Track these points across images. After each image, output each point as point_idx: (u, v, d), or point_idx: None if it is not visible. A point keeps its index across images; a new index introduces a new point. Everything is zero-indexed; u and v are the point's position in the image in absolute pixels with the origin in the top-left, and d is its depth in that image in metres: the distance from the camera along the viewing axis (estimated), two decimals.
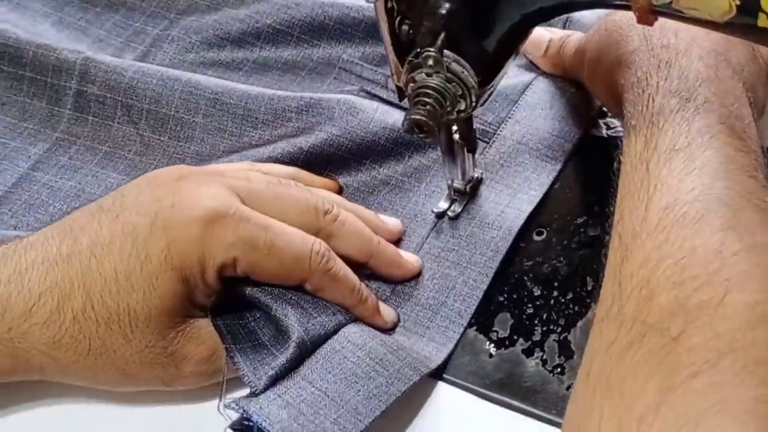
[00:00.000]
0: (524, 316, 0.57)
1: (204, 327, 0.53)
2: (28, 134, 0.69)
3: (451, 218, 0.61)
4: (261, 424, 0.50)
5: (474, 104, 0.53)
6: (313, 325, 0.54)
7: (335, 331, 0.55)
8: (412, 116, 0.52)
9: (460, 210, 0.62)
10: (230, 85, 0.67)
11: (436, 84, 0.52)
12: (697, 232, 0.44)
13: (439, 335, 0.57)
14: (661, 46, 0.53)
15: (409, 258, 0.59)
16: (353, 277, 0.56)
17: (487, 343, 0.57)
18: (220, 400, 0.52)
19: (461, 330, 0.57)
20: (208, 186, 0.53)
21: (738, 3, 0.43)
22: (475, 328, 0.57)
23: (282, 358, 0.53)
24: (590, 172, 0.63)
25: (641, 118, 0.51)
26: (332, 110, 0.65)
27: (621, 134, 0.65)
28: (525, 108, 0.66)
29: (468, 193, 0.62)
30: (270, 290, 0.55)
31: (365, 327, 0.56)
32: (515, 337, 0.57)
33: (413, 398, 0.55)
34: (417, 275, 0.59)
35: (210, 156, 0.66)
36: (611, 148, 0.64)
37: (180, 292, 0.52)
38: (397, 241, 0.61)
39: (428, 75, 0.52)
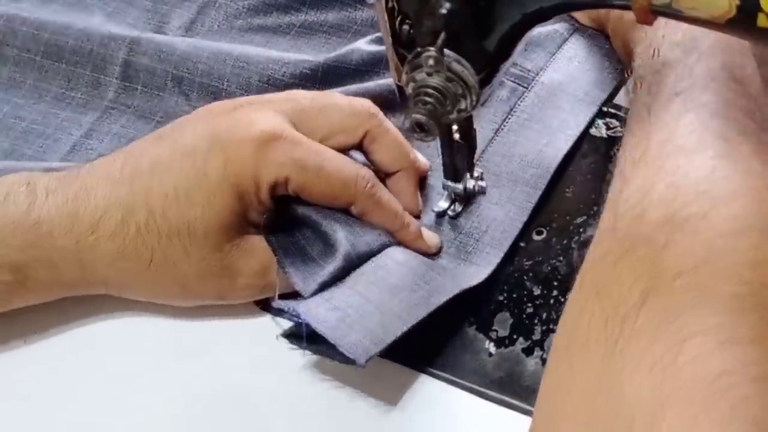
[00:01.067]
0: (524, 316, 0.57)
1: (257, 242, 0.57)
2: (76, 103, 0.70)
3: (451, 217, 0.62)
4: (310, 323, 0.53)
5: (474, 103, 0.53)
6: (359, 242, 0.58)
7: (380, 250, 0.58)
8: (413, 115, 0.52)
9: (460, 209, 0.62)
10: (280, 59, 0.68)
11: (437, 83, 0.52)
12: (691, 159, 0.46)
13: (480, 259, 0.60)
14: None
15: (419, 200, 0.62)
16: (396, 203, 0.59)
17: (487, 342, 0.57)
18: (271, 309, 0.57)
19: (501, 255, 0.60)
20: (262, 111, 0.57)
21: (738, 3, 0.44)
22: (474, 327, 0.57)
23: (330, 267, 0.56)
24: (590, 172, 0.64)
25: (647, 67, 0.53)
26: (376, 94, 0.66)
27: (621, 134, 0.65)
28: (562, 59, 0.69)
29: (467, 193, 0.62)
30: (319, 210, 0.58)
31: (409, 249, 0.59)
32: (515, 336, 0.57)
33: (413, 397, 0.55)
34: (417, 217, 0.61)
35: None
36: (611, 148, 0.64)
37: (236, 208, 0.55)
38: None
39: (429, 74, 0.52)
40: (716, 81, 0.50)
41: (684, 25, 0.53)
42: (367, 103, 0.60)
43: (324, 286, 0.56)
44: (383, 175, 0.60)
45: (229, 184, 0.55)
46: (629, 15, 0.56)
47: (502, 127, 0.65)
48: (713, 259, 0.42)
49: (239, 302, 0.58)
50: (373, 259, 0.58)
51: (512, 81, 0.67)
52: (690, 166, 0.46)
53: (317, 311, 0.54)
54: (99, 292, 0.58)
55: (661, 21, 0.53)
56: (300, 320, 0.54)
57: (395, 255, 0.58)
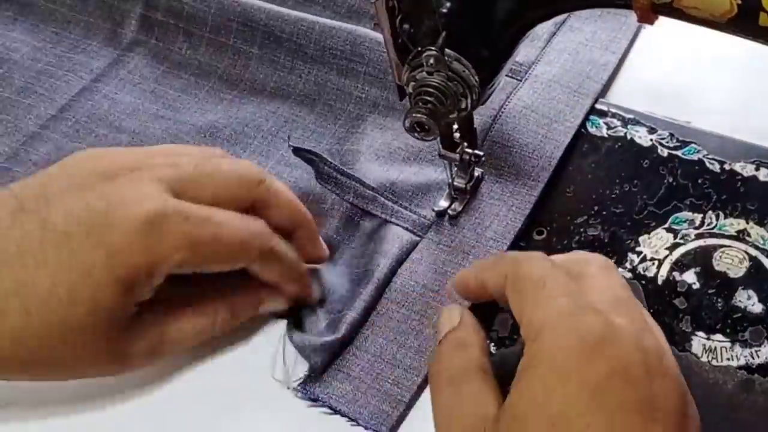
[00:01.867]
0: None
1: (147, 323, 0.52)
2: (91, 50, 0.74)
3: (451, 216, 0.62)
4: (330, 404, 0.53)
5: (475, 103, 0.53)
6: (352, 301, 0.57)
7: (378, 295, 0.58)
8: (413, 115, 0.52)
9: (460, 209, 0.62)
10: (284, 15, 0.70)
11: (437, 83, 0.52)
12: None
13: (483, 254, 0.59)
14: None
15: (325, 247, 0.60)
16: (292, 252, 0.56)
17: (487, 342, 0.56)
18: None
19: (505, 249, 0.60)
20: (140, 185, 0.51)
21: (739, 2, 0.44)
22: None
23: (336, 335, 0.55)
24: (590, 172, 0.63)
25: None
26: (375, 52, 0.68)
27: (621, 133, 0.65)
28: (553, 52, 0.70)
29: (468, 192, 0.62)
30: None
31: (400, 282, 0.58)
32: (515, 337, 0.57)
33: (413, 396, 0.55)
34: (322, 260, 0.60)
35: (262, 87, 0.70)
36: (611, 148, 0.64)
37: (126, 300, 0.50)
38: None
39: (429, 74, 0.52)
40: None
41: None
42: (253, 170, 0.56)
43: (334, 355, 0.55)
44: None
45: (116, 278, 0.49)
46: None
47: (500, 114, 0.66)
48: None
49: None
50: (376, 306, 0.57)
51: (506, 75, 0.67)
52: None
53: (334, 386, 0.54)
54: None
55: None
56: (319, 401, 0.54)
57: (393, 296, 0.58)
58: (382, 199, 0.62)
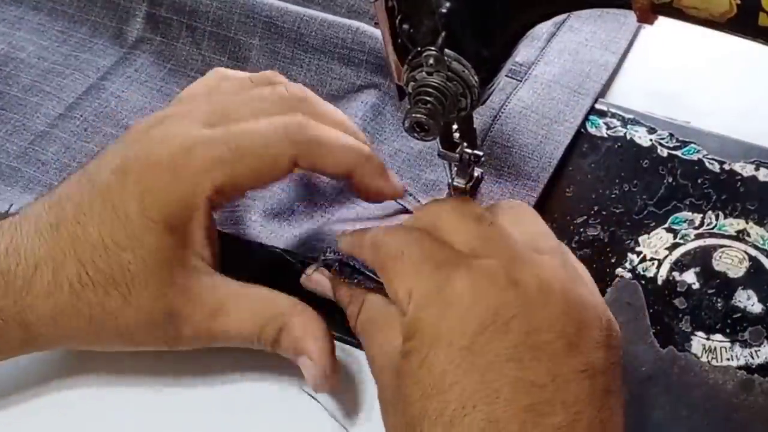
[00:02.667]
0: None
1: (204, 285, 0.51)
2: (97, 49, 0.75)
3: None
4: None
5: (474, 103, 0.53)
6: None
7: None
8: (413, 115, 0.52)
9: None
10: (285, 8, 0.71)
11: (437, 83, 0.52)
12: None
13: None
14: None
15: (397, 181, 0.58)
16: (338, 133, 0.53)
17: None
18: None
19: None
20: (172, 126, 0.52)
21: (738, 2, 0.43)
22: None
23: None
24: (590, 172, 0.64)
25: None
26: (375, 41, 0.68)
27: (621, 133, 0.65)
28: (553, 52, 0.70)
29: (468, 192, 0.62)
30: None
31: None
32: None
33: None
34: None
35: None
36: (611, 148, 0.64)
37: (170, 244, 0.50)
38: None
39: (429, 74, 0.52)
40: None
41: None
42: (294, 89, 0.54)
43: None
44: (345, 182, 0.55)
45: (153, 221, 0.50)
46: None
47: (500, 115, 0.66)
48: None
49: (188, 349, 0.53)
50: None
51: (505, 75, 0.67)
52: None
53: None
54: (45, 350, 0.54)
55: None
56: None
57: None
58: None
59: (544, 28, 0.71)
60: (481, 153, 0.60)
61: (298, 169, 0.53)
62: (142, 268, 0.50)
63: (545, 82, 0.68)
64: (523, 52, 0.69)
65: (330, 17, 0.71)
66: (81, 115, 0.69)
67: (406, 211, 0.62)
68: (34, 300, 0.50)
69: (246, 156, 0.51)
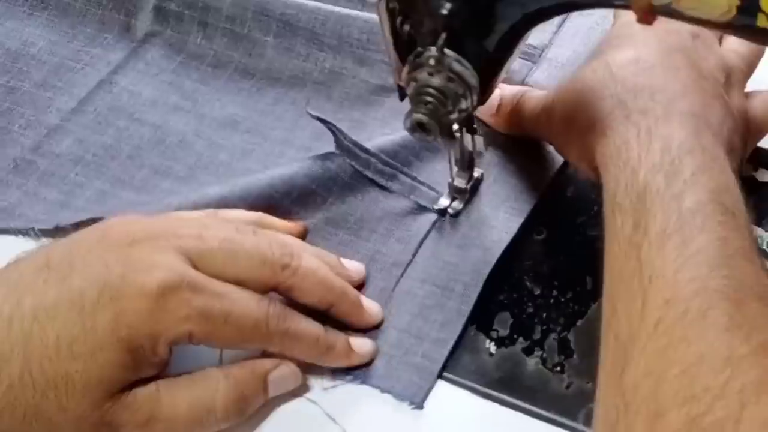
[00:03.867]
0: (524, 315, 0.58)
1: (139, 392, 0.51)
2: (107, 43, 0.74)
3: (451, 215, 0.62)
4: (363, 381, 0.55)
5: (475, 103, 0.53)
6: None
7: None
8: (414, 115, 0.52)
9: (461, 207, 0.62)
10: (300, 5, 0.71)
11: (438, 83, 0.52)
12: (701, 334, 0.42)
13: (500, 224, 0.61)
14: (638, 111, 0.52)
15: (370, 307, 0.58)
16: (314, 328, 0.54)
17: (488, 341, 0.57)
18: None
19: (521, 220, 0.61)
20: (160, 253, 0.51)
21: (737, 3, 0.44)
22: (475, 326, 0.57)
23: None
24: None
25: (626, 196, 0.49)
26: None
27: None
28: (566, 36, 0.70)
29: (469, 191, 0.62)
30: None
31: (420, 260, 0.60)
32: (515, 336, 0.57)
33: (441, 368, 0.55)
34: (377, 325, 0.57)
35: (279, 75, 0.71)
36: None
37: (125, 363, 0.50)
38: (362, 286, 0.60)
39: (430, 74, 0.52)
40: (709, 218, 0.47)
41: (660, 142, 0.50)
42: (281, 251, 0.54)
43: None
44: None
45: (118, 339, 0.49)
46: (583, 120, 0.54)
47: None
48: None
49: None
50: (398, 283, 0.59)
51: (519, 57, 0.67)
52: (702, 344, 0.42)
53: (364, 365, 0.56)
54: None
55: (631, 134, 0.51)
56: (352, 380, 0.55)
57: (414, 273, 0.59)
58: (402, 175, 0.63)
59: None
60: (482, 150, 0.60)
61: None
62: (87, 379, 0.49)
63: (558, 65, 0.68)
64: (535, 35, 0.67)
65: (346, 13, 0.71)
66: (94, 110, 0.70)
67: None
68: None
69: (230, 325, 0.51)
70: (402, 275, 0.59)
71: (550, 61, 0.69)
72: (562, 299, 0.58)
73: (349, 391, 0.55)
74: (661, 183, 0.48)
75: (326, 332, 0.55)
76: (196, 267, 0.51)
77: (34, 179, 0.66)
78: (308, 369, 0.55)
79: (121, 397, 0.50)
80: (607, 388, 0.44)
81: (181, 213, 0.59)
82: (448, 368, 0.56)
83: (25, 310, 0.49)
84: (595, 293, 0.57)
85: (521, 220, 0.61)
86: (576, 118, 0.55)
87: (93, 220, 0.59)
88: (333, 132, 0.63)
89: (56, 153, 0.67)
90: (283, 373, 0.54)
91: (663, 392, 0.41)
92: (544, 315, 0.57)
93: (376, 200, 0.63)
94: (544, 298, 0.58)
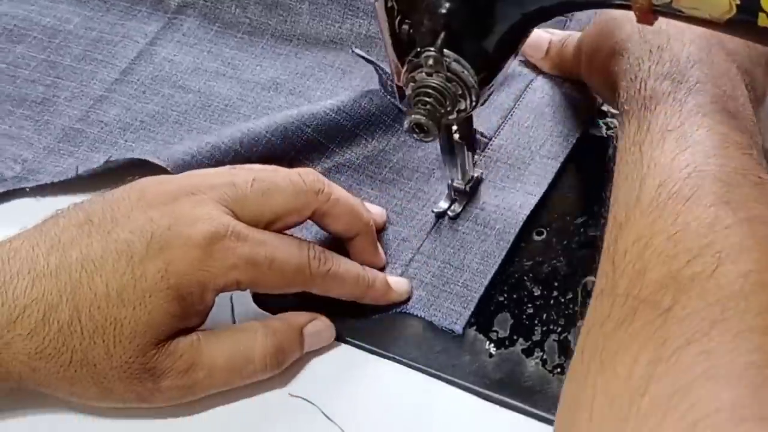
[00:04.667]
0: (524, 316, 0.57)
1: (182, 341, 0.53)
2: (141, 16, 0.77)
3: (451, 218, 0.62)
4: (407, 310, 0.58)
5: (474, 104, 0.53)
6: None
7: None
8: (413, 116, 0.52)
9: (460, 210, 0.62)
10: None
11: (437, 83, 0.52)
12: (690, 207, 0.44)
13: (524, 187, 0.63)
14: (653, 31, 0.54)
15: (382, 252, 0.60)
16: (354, 268, 0.57)
17: (487, 343, 0.57)
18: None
19: (546, 183, 0.63)
20: (201, 207, 0.53)
21: (738, 2, 0.44)
22: (475, 328, 0.57)
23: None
24: (590, 172, 0.63)
25: (634, 102, 0.52)
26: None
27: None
28: (524, 110, 0.67)
29: (468, 193, 0.62)
30: None
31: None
32: (515, 337, 0.57)
33: (413, 398, 0.55)
34: (383, 268, 0.60)
35: (316, 40, 0.73)
36: (611, 147, 0.64)
37: (173, 310, 0.51)
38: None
39: (428, 74, 0.52)
40: (709, 116, 0.49)
41: (669, 55, 0.52)
42: (311, 178, 0.56)
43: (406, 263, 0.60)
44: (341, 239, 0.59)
45: (168, 286, 0.51)
46: (606, 46, 0.56)
47: (510, 115, 0.66)
48: (723, 324, 0.39)
49: (163, 405, 0.54)
50: (439, 220, 0.61)
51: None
52: (689, 215, 0.44)
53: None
54: (11, 386, 0.53)
55: (644, 51, 0.53)
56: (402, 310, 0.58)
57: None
58: None
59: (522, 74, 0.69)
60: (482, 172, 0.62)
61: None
62: (135, 325, 0.51)
63: (551, 84, 0.67)
64: (487, 115, 0.67)
65: None
66: (137, 79, 0.72)
67: None
68: (12, 339, 0.51)
69: (274, 270, 0.53)
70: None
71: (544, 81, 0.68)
72: (562, 300, 0.58)
73: (349, 390, 0.55)
74: (666, 88, 0.51)
75: (365, 270, 0.58)
76: (235, 214, 0.54)
77: (85, 147, 0.68)
78: (307, 369, 0.56)
79: (164, 346, 0.52)
80: (603, 259, 0.47)
81: (205, 169, 0.60)
82: (448, 369, 0.56)
83: (72, 261, 0.51)
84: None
85: (522, 220, 0.61)
86: (600, 45, 0.58)
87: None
88: (378, 73, 0.64)
89: (104, 122, 0.70)
90: (318, 327, 0.56)
91: (648, 254, 0.43)
92: (544, 316, 0.57)
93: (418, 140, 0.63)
94: (544, 299, 0.58)
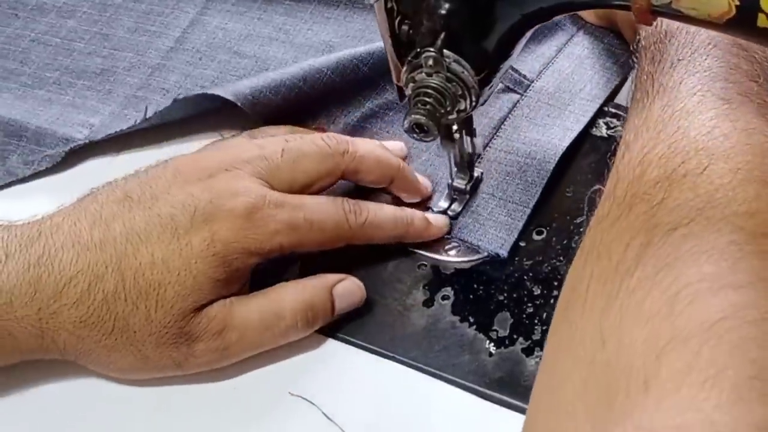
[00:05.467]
0: (524, 316, 0.57)
1: (215, 304, 0.54)
2: None
3: (451, 218, 0.62)
4: (455, 235, 0.61)
5: (474, 104, 0.53)
6: None
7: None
8: (412, 116, 0.52)
9: (460, 209, 0.62)
10: None
11: (436, 84, 0.52)
12: (692, 121, 0.46)
13: (562, 122, 0.65)
14: None
15: (424, 181, 0.63)
16: (390, 211, 0.60)
17: (487, 342, 0.57)
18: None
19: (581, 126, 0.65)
20: (239, 180, 0.55)
21: (737, 3, 0.44)
22: (474, 327, 0.57)
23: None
24: (590, 172, 0.64)
25: (650, 37, 0.53)
26: None
27: (621, 133, 0.65)
28: (563, 57, 0.70)
29: (468, 192, 0.62)
30: None
31: (504, 134, 0.65)
32: (515, 336, 0.57)
33: (413, 397, 0.55)
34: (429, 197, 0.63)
35: (362, 4, 0.74)
36: (611, 148, 0.64)
37: (218, 275, 0.54)
38: None
39: (428, 75, 0.52)
40: (719, 47, 0.50)
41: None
42: (335, 140, 0.59)
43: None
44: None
45: (214, 253, 0.54)
46: None
47: (508, 116, 0.67)
48: (709, 211, 0.42)
49: (197, 371, 0.55)
50: (483, 153, 0.64)
51: (506, 85, 0.68)
52: (690, 127, 0.46)
53: (457, 220, 0.62)
54: (54, 357, 0.55)
55: None
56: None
57: (498, 144, 0.64)
58: None
59: (564, 27, 0.71)
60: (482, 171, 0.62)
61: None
62: (179, 289, 0.53)
63: (552, 88, 0.68)
64: (530, 59, 0.69)
65: None
66: (193, 47, 0.74)
67: None
68: (60, 308, 0.52)
69: (314, 230, 0.56)
70: (487, 146, 0.64)
71: (540, 90, 0.68)
72: None
73: (349, 390, 0.55)
74: (681, 26, 0.52)
75: (402, 211, 0.60)
76: (271, 185, 0.56)
77: (149, 112, 0.69)
78: (307, 369, 0.56)
79: (205, 313, 0.54)
80: (609, 179, 0.49)
81: (230, 141, 0.63)
82: (448, 368, 0.56)
83: (116, 235, 0.54)
84: None
85: (522, 220, 0.61)
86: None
87: None
88: None
89: (165, 88, 0.71)
90: (347, 286, 0.58)
91: (648, 159, 0.46)
92: (544, 315, 0.57)
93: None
94: (544, 298, 0.58)
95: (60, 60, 0.74)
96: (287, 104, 0.65)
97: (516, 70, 0.67)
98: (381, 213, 0.59)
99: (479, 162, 0.63)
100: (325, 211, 0.57)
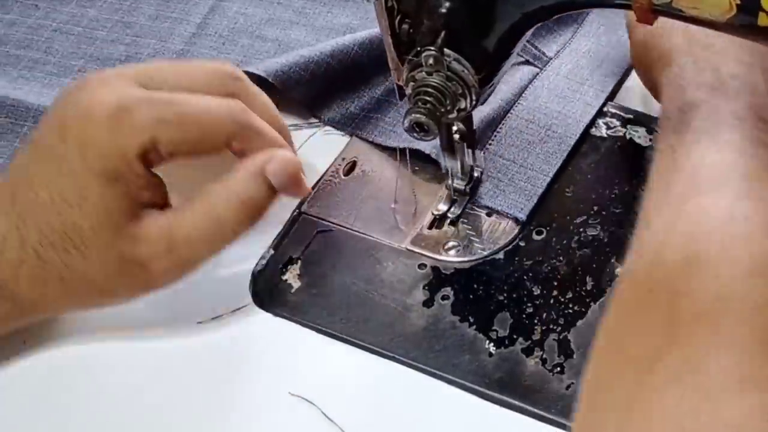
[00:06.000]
0: (524, 316, 0.57)
1: (151, 225, 0.53)
2: None
3: (452, 220, 0.62)
4: (476, 200, 0.62)
5: (474, 103, 0.53)
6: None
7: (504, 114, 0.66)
8: (412, 115, 0.52)
9: (460, 212, 0.62)
10: None
11: (437, 83, 0.52)
12: (714, 200, 0.46)
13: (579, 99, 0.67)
14: (702, 46, 0.54)
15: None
16: (271, 106, 0.58)
17: (487, 342, 0.57)
18: None
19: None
20: (105, 85, 0.53)
21: (738, 2, 0.44)
22: (474, 327, 0.57)
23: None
24: (590, 172, 0.64)
25: (673, 109, 0.53)
26: None
27: (621, 133, 0.65)
28: (582, 39, 0.71)
29: (468, 194, 0.62)
30: None
31: (525, 102, 0.66)
32: (515, 337, 0.57)
33: (413, 397, 0.55)
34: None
35: None
36: (611, 148, 0.64)
37: (112, 195, 0.52)
38: None
39: (428, 74, 0.52)
40: (742, 120, 0.49)
41: (711, 66, 0.53)
42: (230, 67, 0.57)
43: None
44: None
45: (94, 174, 0.51)
46: (654, 51, 0.57)
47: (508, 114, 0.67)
48: (731, 302, 0.41)
49: (168, 286, 0.54)
50: (502, 123, 0.65)
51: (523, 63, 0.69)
52: (711, 207, 0.45)
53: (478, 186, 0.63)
54: (35, 318, 0.55)
55: (687, 62, 0.54)
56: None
57: (520, 112, 0.66)
58: None
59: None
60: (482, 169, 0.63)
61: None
62: (90, 222, 0.52)
63: (556, 77, 0.68)
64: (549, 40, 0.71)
65: None
66: (215, 32, 0.74)
67: None
68: (12, 271, 0.52)
69: (188, 123, 0.53)
70: (507, 114, 0.66)
71: (548, 74, 0.69)
72: (562, 299, 0.58)
73: (349, 390, 0.55)
74: (703, 96, 0.52)
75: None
76: (146, 87, 0.53)
77: None
78: (307, 369, 0.56)
79: (132, 231, 0.52)
80: (628, 257, 0.48)
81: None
82: (448, 368, 0.56)
83: (21, 183, 0.53)
84: (595, 294, 0.57)
85: (522, 220, 0.61)
86: (649, 48, 0.59)
87: None
88: None
89: None
90: (278, 161, 0.54)
91: (668, 240, 0.45)
92: (544, 315, 0.57)
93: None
94: (544, 298, 0.58)
95: (84, 48, 0.75)
96: (315, 80, 0.67)
97: (535, 46, 0.69)
98: (265, 125, 0.56)
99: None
100: (204, 103, 0.53)
